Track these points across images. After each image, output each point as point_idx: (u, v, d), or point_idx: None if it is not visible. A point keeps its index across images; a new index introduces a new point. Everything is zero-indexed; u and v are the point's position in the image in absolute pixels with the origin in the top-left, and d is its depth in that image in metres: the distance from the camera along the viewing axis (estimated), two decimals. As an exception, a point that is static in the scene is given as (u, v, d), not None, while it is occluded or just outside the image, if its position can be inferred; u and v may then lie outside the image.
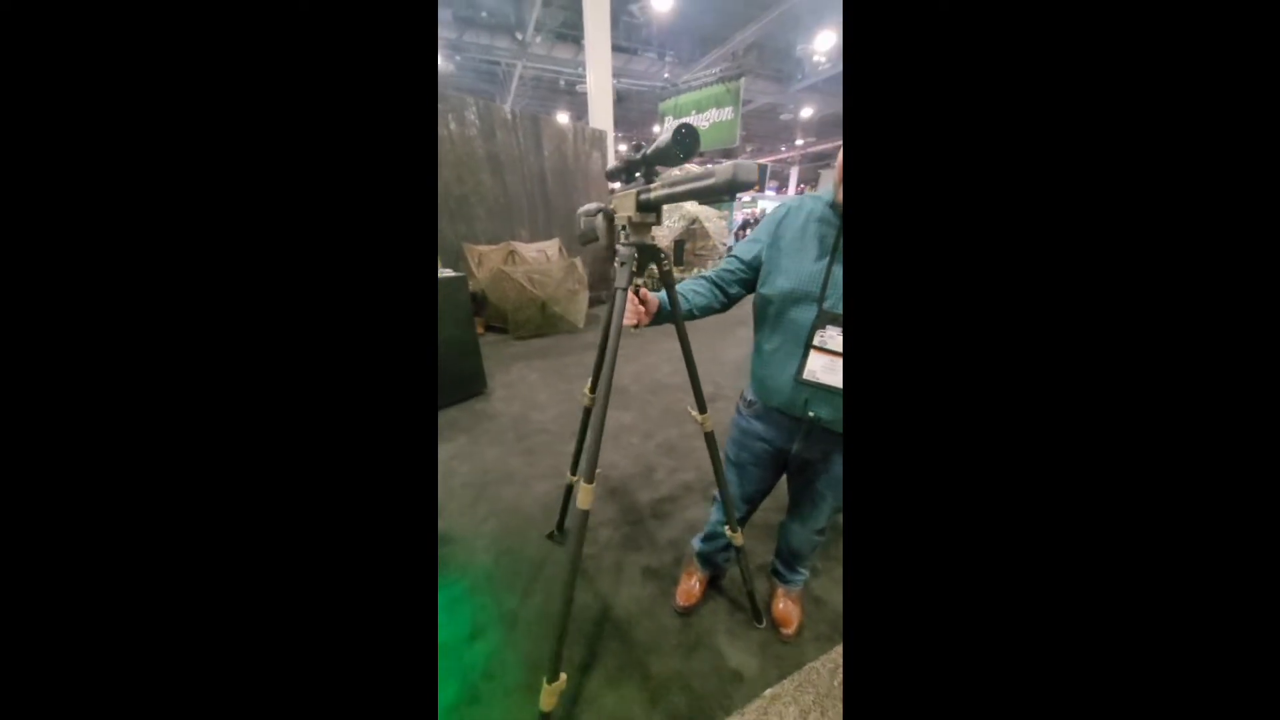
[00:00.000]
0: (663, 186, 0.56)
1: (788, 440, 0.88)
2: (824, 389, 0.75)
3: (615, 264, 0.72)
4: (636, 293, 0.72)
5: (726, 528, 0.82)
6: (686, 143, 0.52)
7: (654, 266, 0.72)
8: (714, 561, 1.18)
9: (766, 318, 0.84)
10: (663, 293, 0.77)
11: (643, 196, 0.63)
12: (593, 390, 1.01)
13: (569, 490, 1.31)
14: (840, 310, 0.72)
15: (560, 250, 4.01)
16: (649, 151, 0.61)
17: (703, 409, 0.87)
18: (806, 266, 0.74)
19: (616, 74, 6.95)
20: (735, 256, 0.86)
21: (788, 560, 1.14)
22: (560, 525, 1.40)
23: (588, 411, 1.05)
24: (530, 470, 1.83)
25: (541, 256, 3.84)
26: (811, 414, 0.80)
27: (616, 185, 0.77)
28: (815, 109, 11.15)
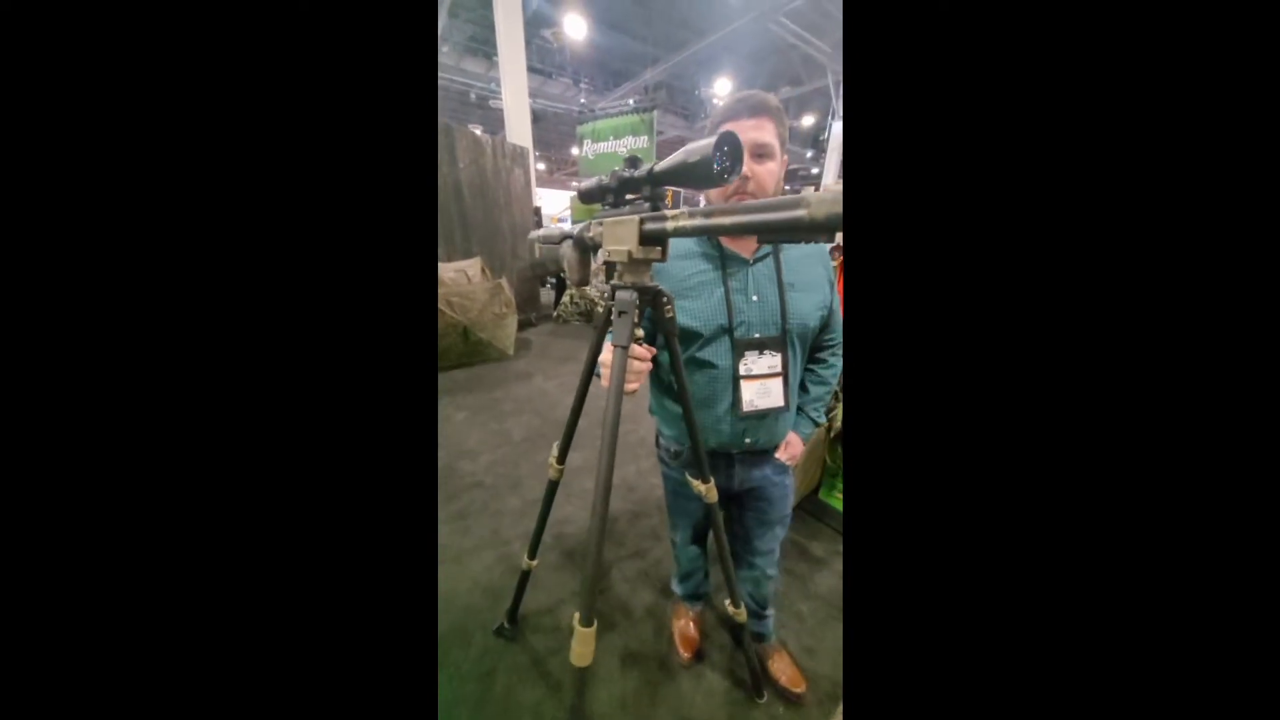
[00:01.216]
0: (694, 215, 0.41)
1: (726, 479, 0.84)
2: (758, 414, 0.74)
3: (610, 312, 0.55)
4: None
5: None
6: (731, 158, 0.39)
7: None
8: (698, 594, 1.14)
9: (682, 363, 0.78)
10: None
11: (653, 226, 0.48)
12: (561, 460, 0.81)
13: (524, 578, 1.06)
14: (754, 334, 0.72)
15: (483, 270, 3.63)
16: (660, 168, 0.47)
17: (705, 476, 0.73)
18: (706, 302, 0.72)
19: (532, 94, 6.81)
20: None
21: (755, 612, 1.05)
22: (512, 615, 1.13)
23: (553, 486, 0.83)
24: (464, 541, 1.50)
25: (461, 277, 3.43)
26: (749, 440, 0.78)
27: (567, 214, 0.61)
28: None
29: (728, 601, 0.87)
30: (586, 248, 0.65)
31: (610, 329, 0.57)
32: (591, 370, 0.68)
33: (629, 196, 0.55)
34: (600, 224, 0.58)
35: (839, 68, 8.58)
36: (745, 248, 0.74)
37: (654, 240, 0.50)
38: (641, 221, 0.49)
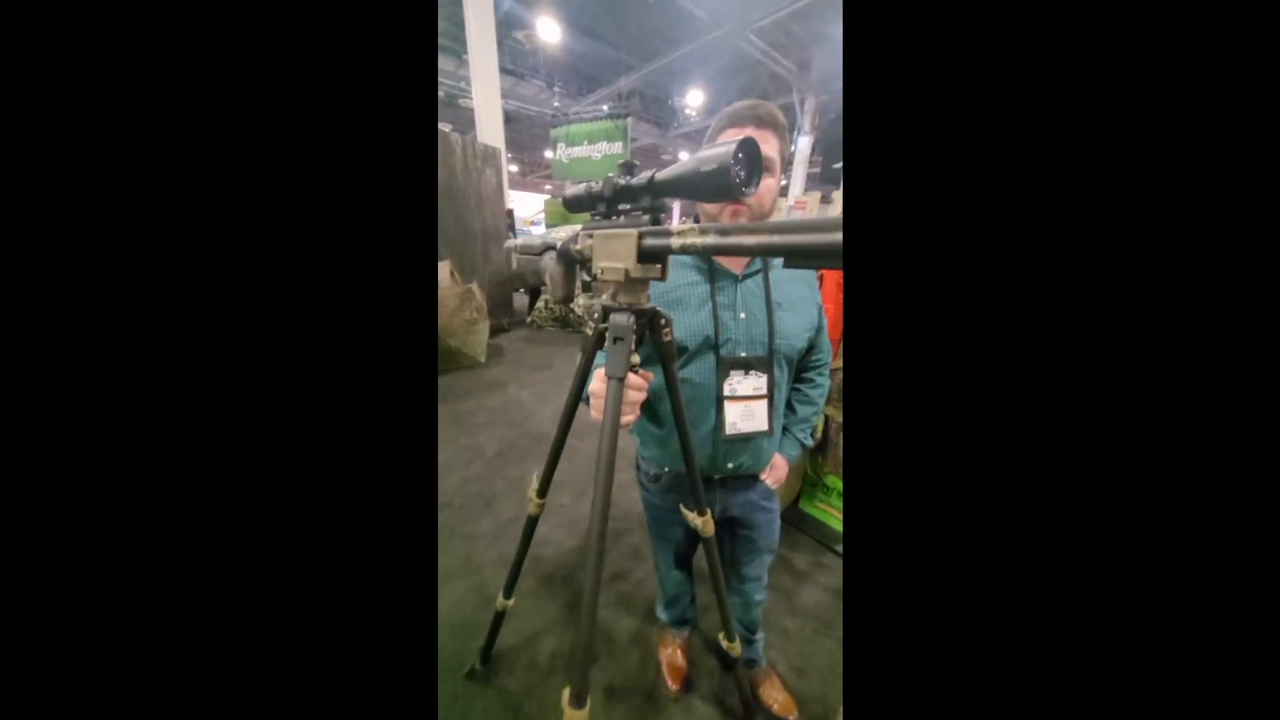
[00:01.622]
0: (706, 232, 0.37)
1: (708, 505, 0.79)
2: (741, 438, 0.70)
3: (603, 338, 0.50)
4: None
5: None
6: (748, 168, 0.35)
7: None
8: (685, 619, 1.09)
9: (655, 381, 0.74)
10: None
11: (655, 242, 0.43)
12: (542, 493, 0.74)
13: (498, 618, 0.97)
14: (740, 353, 0.68)
15: (452, 274, 3.46)
16: (664, 176, 0.42)
17: (701, 508, 0.68)
18: (692, 316, 0.68)
19: (504, 95, 6.66)
20: None
21: (745, 637, 1.02)
22: (485, 654, 1.03)
23: (533, 522, 0.76)
24: (431, 571, 1.38)
25: (426, 283, 3.24)
26: (732, 465, 0.73)
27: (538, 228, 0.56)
28: (691, 154, 12.51)
29: (721, 635, 0.83)
30: (573, 261, 0.59)
31: (600, 350, 0.51)
32: (578, 398, 0.62)
33: (623, 207, 0.50)
34: (590, 236, 0.52)
35: (804, 86, 8.95)
36: (735, 263, 0.70)
37: (654, 257, 0.45)
38: (641, 236, 0.44)
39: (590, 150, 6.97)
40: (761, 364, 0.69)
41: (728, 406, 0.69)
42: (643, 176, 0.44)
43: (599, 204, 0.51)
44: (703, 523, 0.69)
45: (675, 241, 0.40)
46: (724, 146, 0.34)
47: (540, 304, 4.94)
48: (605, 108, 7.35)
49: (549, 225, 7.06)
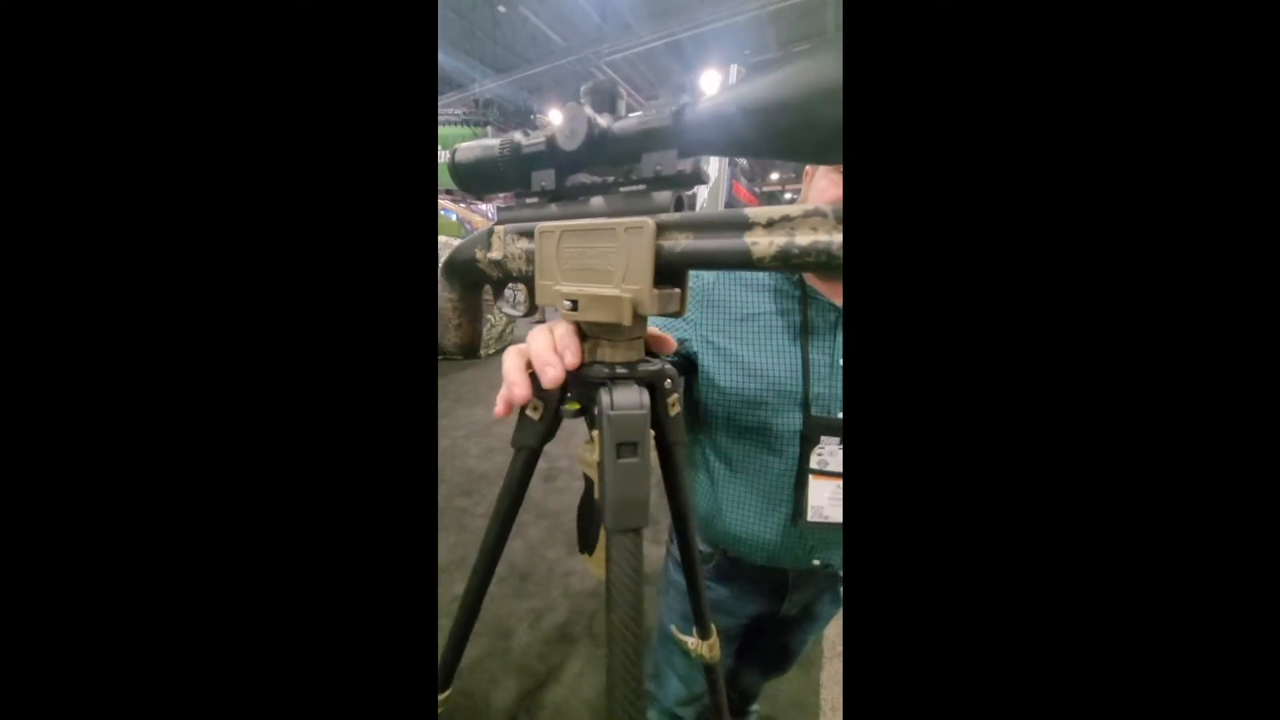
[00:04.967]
0: (823, 223, 0.16)
1: (773, 603, 0.60)
2: (836, 528, 0.51)
3: (552, 414, 0.24)
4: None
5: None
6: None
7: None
8: None
9: (715, 435, 0.54)
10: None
11: (701, 244, 0.20)
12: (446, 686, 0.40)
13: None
14: (836, 414, 0.49)
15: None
16: (707, 104, 0.20)
17: (705, 629, 0.45)
18: (771, 356, 0.50)
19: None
20: None
21: (737, 706, 0.85)
22: None
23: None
24: None
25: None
26: (818, 561, 0.55)
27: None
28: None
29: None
30: (479, 281, 0.32)
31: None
32: (508, 528, 0.33)
33: (587, 179, 0.26)
34: (525, 235, 0.26)
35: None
36: (838, 291, 0.49)
37: (675, 274, 0.23)
38: (661, 229, 0.21)
39: (445, 156, 6.25)
40: None
41: (813, 484, 0.49)
42: (665, 111, 0.21)
43: (539, 172, 0.26)
44: (708, 649, 0.47)
45: (763, 242, 0.18)
46: (828, 52, 0.15)
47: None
48: (460, 112, 6.67)
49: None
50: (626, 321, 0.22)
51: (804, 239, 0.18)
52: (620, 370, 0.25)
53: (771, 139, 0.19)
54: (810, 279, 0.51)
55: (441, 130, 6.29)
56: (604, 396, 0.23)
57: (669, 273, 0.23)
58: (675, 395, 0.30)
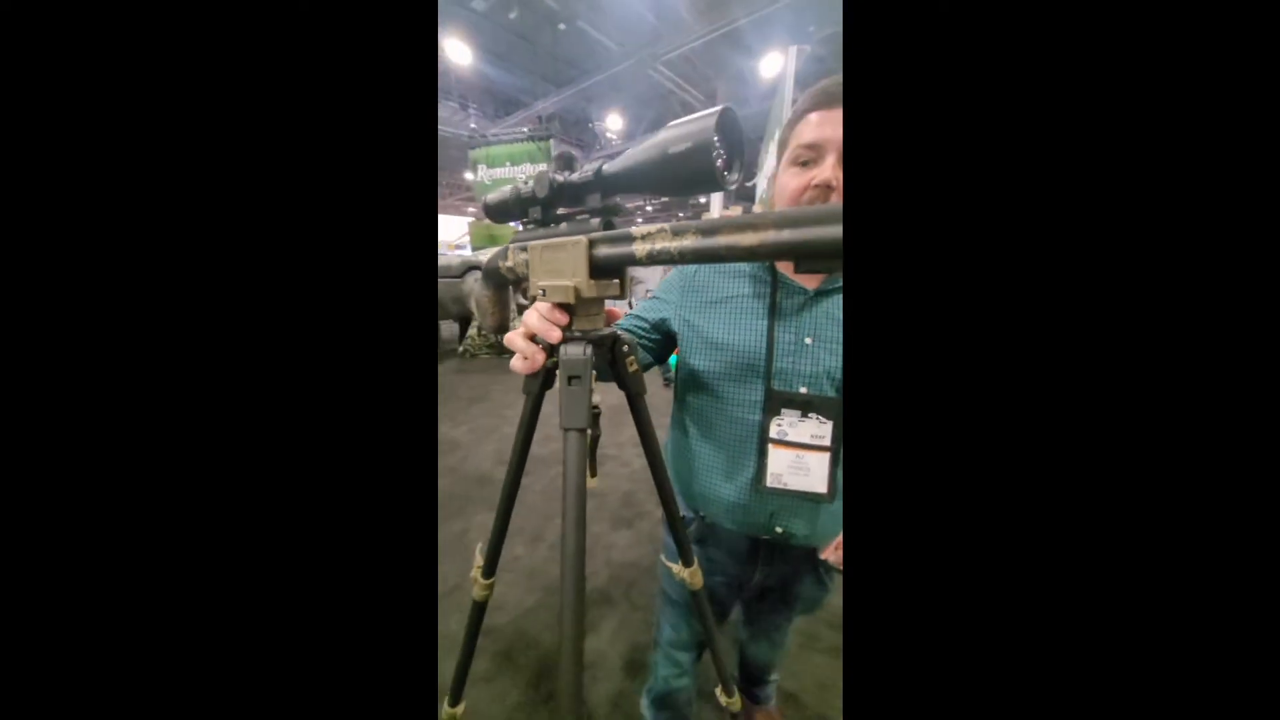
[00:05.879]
0: (682, 234, 0.27)
1: (746, 570, 0.67)
2: (794, 496, 0.56)
3: (552, 376, 0.38)
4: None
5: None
6: (729, 149, 0.27)
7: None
8: (682, 716, 0.87)
9: (689, 404, 0.63)
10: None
11: (611, 250, 0.33)
12: (489, 572, 0.57)
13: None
14: (800, 388, 0.55)
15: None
16: (614, 167, 0.32)
17: (688, 559, 0.57)
18: (739, 332, 0.58)
19: (413, 115, 6.25)
20: (638, 316, 0.65)
21: (754, 675, 0.93)
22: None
23: (480, 609, 0.58)
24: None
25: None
26: (780, 529, 0.60)
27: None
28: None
29: (718, 690, 0.72)
30: (504, 282, 0.47)
31: (544, 390, 0.40)
32: (523, 462, 0.49)
33: (564, 210, 0.40)
34: (524, 249, 0.41)
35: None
36: (810, 276, 0.56)
37: (611, 270, 0.36)
38: (593, 244, 0.34)
39: (514, 171, 6.83)
40: (827, 408, 0.53)
41: (772, 452, 0.55)
42: (588, 169, 0.35)
43: (531, 209, 0.40)
44: (690, 575, 0.58)
45: (640, 249, 0.31)
46: (698, 120, 0.26)
47: (472, 331, 4.58)
48: (526, 129, 7.25)
49: (474, 248, 6.71)
50: (573, 301, 0.35)
51: (659, 245, 0.29)
52: (575, 334, 0.38)
53: (659, 182, 0.31)
54: (781, 266, 0.59)
55: (509, 148, 6.88)
56: (563, 349, 0.37)
57: (606, 269, 0.35)
58: (632, 357, 0.43)
